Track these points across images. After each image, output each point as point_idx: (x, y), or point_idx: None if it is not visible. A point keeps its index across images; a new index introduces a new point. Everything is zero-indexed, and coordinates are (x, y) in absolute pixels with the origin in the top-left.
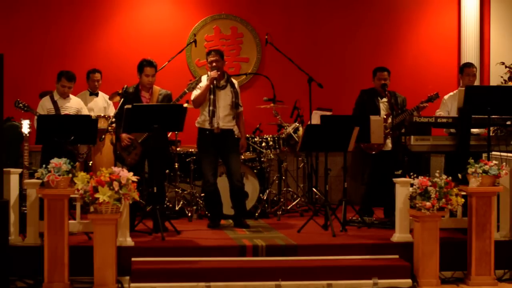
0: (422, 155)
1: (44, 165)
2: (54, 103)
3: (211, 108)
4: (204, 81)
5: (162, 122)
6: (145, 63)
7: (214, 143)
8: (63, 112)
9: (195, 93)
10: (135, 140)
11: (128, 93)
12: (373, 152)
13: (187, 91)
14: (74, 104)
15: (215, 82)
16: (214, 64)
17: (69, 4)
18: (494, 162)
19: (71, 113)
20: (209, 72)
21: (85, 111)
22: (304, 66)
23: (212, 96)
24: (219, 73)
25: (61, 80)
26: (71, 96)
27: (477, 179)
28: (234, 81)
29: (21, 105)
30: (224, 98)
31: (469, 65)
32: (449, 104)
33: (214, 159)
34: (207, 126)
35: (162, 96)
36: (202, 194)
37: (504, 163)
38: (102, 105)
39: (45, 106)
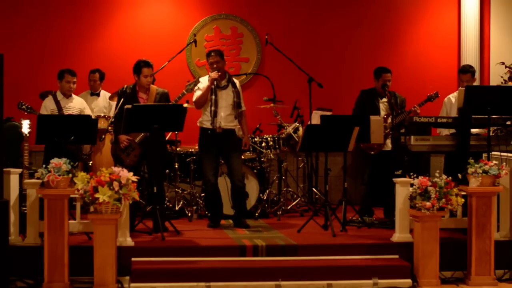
0: (422, 155)
1: (44, 165)
2: (57, 103)
3: (212, 108)
4: (205, 82)
5: (162, 122)
6: (143, 64)
7: (215, 143)
8: (66, 112)
9: (197, 94)
10: (133, 141)
11: (125, 93)
12: (373, 152)
13: (185, 93)
14: (77, 104)
15: (216, 82)
16: (215, 65)
17: (70, 4)
18: (494, 162)
19: (74, 113)
20: (210, 73)
21: (88, 111)
22: (304, 66)
23: (213, 97)
24: (219, 73)
25: (65, 77)
26: (73, 96)
27: (477, 179)
28: (236, 80)
29: (24, 106)
30: (226, 98)
31: (461, 71)
32: (449, 106)
33: (215, 159)
34: (209, 125)
35: (159, 95)
36: (202, 194)
37: (504, 163)
38: (103, 105)
39: (48, 106)
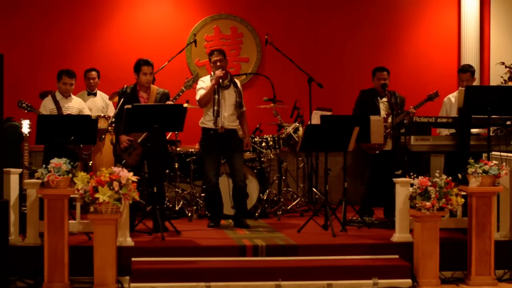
0: (422, 155)
1: (44, 165)
2: (56, 103)
3: (215, 108)
4: (207, 81)
5: (162, 122)
6: (142, 62)
7: (218, 143)
8: (65, 112)
9: (200, 93)
10: (134, 141)
11: (126, 93)
12: (374, 152)
13: (184, 89)
14: (76, 104)
15: (220, 81)
16: (218, 63)
17: (69, 4)
18: (494, 162)
19: (73, 113)
20: (212, 72)
21: (86, 111)
22: (304, 66)
23: (216, 96)
24: (224, 72)
25: (62, 78)
26: (72, 96)
27: (477, 179)
28: (237, 80)
29: (24, 105)
30: (228, 98)
31: (461, 70)
32: (448, 105)
33: (217, 159)
34: (211, 125)
35: (160, 95)
36: (202, 194)
37: (504, 163)
38: (100, 105)
39: (47, 106)
